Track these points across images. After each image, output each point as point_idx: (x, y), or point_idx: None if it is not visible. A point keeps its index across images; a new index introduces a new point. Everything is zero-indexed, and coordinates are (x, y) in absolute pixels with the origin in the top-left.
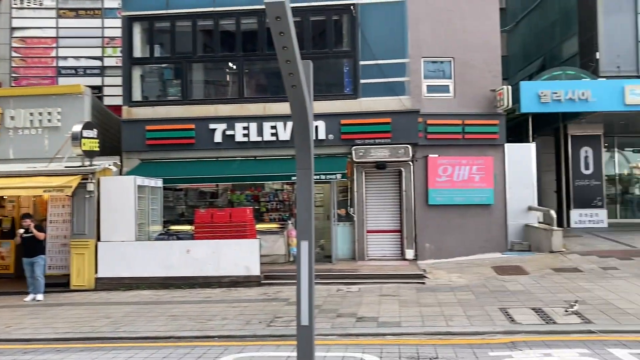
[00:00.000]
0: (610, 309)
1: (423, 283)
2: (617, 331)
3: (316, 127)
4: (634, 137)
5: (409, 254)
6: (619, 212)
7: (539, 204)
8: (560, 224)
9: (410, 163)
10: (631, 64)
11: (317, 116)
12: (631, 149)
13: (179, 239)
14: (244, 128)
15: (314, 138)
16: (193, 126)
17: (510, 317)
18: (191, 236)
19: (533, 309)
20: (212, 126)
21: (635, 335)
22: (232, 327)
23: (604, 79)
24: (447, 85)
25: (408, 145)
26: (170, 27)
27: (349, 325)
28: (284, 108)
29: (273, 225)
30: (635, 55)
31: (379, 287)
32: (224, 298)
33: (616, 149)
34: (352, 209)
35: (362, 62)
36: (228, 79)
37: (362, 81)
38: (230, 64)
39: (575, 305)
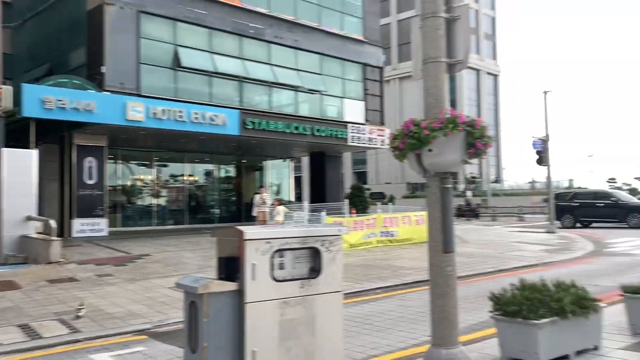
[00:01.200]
0: (99, 315)
1: None
2: (102, 336)
3: None
4: (138, 151)
5: None
6: (121, 220)
7: (41, 213)
8: (62, 234)
9: None
10: (133, 82)
11: None
12: (135, 162)
13: None
14: None
15: None
16: None
17: None
18: None
19: (20, 326)
20: None
21: (119, 337)
22: None
23: (109, 92)
24: None
25: None
26: None
27: None
28: None
29: None
30: (136, 74)
31: None
32: None
33: (120, 161)
34: None
35: None
36: None
37: None
38: None
39: (82, 309)
